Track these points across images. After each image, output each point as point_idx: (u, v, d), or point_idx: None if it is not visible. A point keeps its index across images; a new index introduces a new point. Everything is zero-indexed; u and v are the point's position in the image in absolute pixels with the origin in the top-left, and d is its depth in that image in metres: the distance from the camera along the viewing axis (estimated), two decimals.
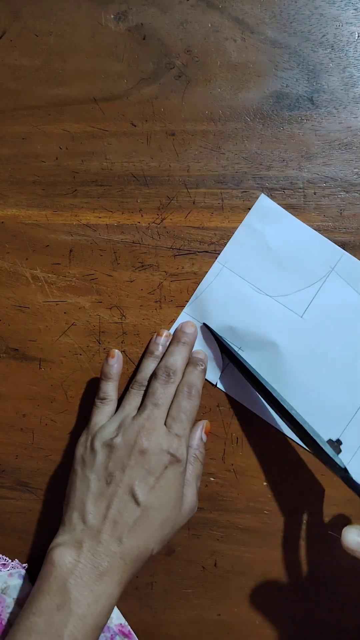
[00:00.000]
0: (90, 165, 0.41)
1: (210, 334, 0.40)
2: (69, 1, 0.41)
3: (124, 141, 0.41)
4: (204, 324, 0.40)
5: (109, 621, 0.39)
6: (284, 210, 0.40)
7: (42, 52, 0.41)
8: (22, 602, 0.38)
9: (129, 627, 0.40)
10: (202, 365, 0.39)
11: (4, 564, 0.40)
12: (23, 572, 0.40)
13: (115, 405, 0.39)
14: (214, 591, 0.41)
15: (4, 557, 0.41)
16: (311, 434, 0.34)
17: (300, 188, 0.40)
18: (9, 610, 0.37)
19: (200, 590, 0.41)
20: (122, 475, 0.34)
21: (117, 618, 0.40)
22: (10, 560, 0.41)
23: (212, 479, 0.41)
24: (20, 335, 0.42)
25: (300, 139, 0.40)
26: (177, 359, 0.38)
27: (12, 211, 0.42)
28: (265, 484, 0.41)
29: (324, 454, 0.34)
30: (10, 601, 0.38)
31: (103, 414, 0.38)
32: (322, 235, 0.40)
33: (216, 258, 0.41)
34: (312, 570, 0.41)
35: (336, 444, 0.36)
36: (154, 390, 0.37)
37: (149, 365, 0.39)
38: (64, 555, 0.32)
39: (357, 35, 0.39)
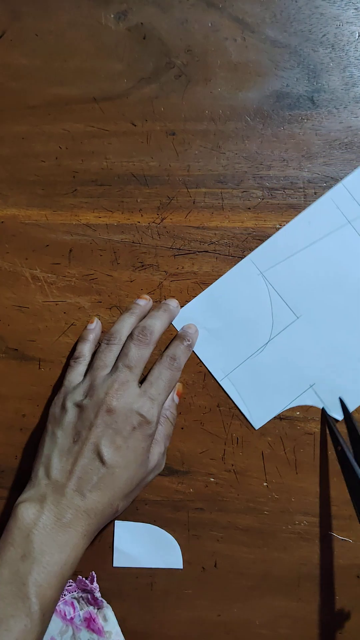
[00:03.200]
0: (90, 165, 0.41)
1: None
2: (69, 1, 0.41)
3: (124, 141, 0.41)
4: (340, 398, 0.40)
5: (108, 635, 0.39)
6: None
7: (42, 52, 0.41)
8: None
9: (123, 633, 0.40)
10: (188, 341, 0.39)
11: None
12: None
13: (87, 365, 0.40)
14: (214, 591, 0.41)
15: None
16: None
17: (301, 188, 0.40)
18: None
19: (200, 591, 0.41)
20: (88, 434, 0.34)
21: (116, 634, 0.40)
22: None
23: (212, 479, 0.41)
24: (20, 335, 0.42)
25: (300, 138, 0.40)
26: (156, 322, 0.38)
27: (12, 211, 0.42)
28: (265, 484, 0.41)
29: None
30: None
31: (76, 373, 0.39)
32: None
33: (216, 258, 0.41)
34: (312, 570, 0.40)
35: None
36: (127, 350, 0.37)
37: (124, 319, 0.39)
38: (27, 508, 0.33)
39: (357, 34, 0.39)
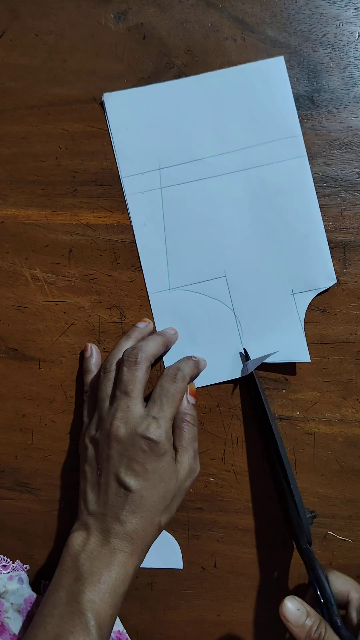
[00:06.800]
0: (90, 165, 0.41)
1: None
2: (68, 1, 0.41)
3: None
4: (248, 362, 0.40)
5: None
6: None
7: (41, 51, 0.41)
8: (19, 607, 0.38)
9: (127, 634, 0.40)
10: (195, 359, 0.39)
11: (5, 566, 0.40)
12: (23, 575, 0.40)
13: None
14: (213, 592, 0.41)
15: (5, 558, 0.41)
16: (298, 505, 0.37)
17: None
18: (6, 615, 0.37)
19: (200, 591, 0.41)
20: (107, 466, 0.36)
21: (115, 625, 0.40)
22: (11, 562, 0.41)
23: (212, 479, 0.41)
24: (20, 335, 0.42)
25: None
26: (148, 343, 0.38)
27: (12, 211, 0.42)
28: (265, 484, 0.41)
29: (299, 524, 0.37)
30: (7, 606, 0.37)
31: (89, 407, 0.40)
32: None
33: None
34: None
35: (311, 517, 0.38)
36: (121, 376, 0.37)
37: (120, 345, 0.39)
38: (76, 537, 0.35)
39: (357, 34, 0.39)
